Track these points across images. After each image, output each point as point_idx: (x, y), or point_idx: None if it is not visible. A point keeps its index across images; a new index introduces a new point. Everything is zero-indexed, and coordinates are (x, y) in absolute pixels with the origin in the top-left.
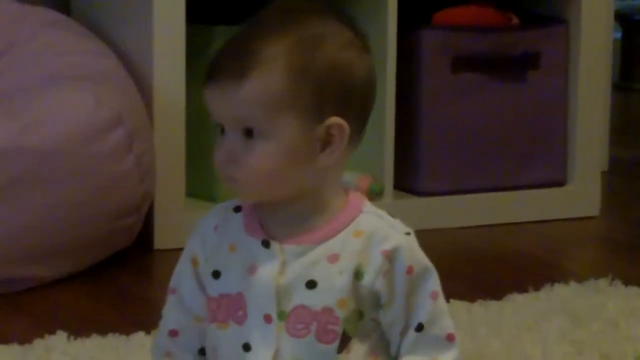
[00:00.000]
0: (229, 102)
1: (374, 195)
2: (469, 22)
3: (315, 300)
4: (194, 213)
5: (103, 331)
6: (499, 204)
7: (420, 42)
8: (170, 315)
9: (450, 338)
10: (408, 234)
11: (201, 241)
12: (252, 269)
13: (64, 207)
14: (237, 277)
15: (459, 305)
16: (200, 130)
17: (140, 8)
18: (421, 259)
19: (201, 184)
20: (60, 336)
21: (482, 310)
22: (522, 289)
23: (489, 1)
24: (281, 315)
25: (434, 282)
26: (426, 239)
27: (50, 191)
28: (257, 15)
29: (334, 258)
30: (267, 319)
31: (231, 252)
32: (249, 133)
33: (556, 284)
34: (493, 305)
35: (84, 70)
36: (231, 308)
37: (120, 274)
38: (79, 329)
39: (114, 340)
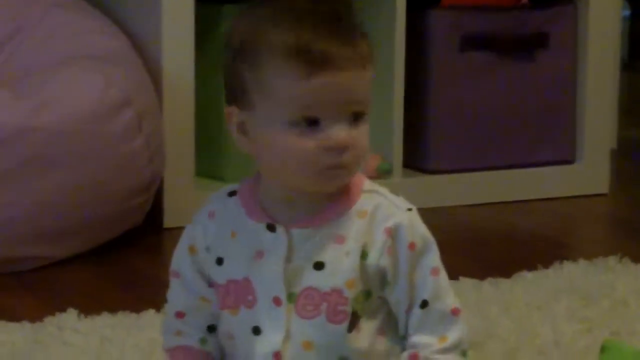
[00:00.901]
0: (352, 89)
1: (383, 173)
2: (477, 1)
3: (324, 281)
4: (203, 192)
5: (113, 309)
6: (508, 181)
7: (428, 21)
8: (175, 298)
9: (455, 312)
10: (410, 209)
11: (201, 229)
12: (258, 254)
13: (74, 187)
14: (242, 262)
15: (468, 283)
16: (209, 111)
17: None
18: (423, 233)
19: (210, 164)
20: (71, 314)
21: (492, 288)
22: (532, 267)
23: None
24: (290, 298)
25: (434, 258)
26: (435, 216)
27: (60, 171)
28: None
29: (340, 239)
30: (277, 301)
31: (233, 238)
32: (357, 117)
33: (565, 262)
34: (503, 283)
35: (93, 51)
36: (240, 293)
37: (131, 252)
38: (89, 307)
39: (124, 318)
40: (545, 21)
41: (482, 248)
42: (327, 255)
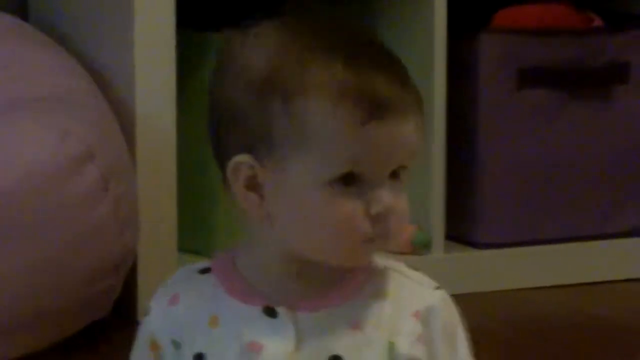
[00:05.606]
0: (407, 140)
1: (420, 247)
2: (538, 24)
3: None
4: None
5: None
6: (578, 258)
7: (476, 50)
8: None
9: None
10: (438, 288)
11: (160, 319)
12: (253, 346)
13: (22, 269)
14: (231, 357)
15: None
16: (196, 167)
17: (117, 11)
18: (457, 317)
19: (198, 236)
20: None
21: None
22: None
23: None
24: None
25: (468, 351)
26: (488, 303)
27: (4, 248)
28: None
29: (356, 325)
30: None
31: (213, 327)
32: (396, 174)
33: None
34: None
35: (46, 92)
36: None
37: (96, 351)
38: None
39: None
40: (624, 49)
41: (544, 341)
42: (345, 347)
